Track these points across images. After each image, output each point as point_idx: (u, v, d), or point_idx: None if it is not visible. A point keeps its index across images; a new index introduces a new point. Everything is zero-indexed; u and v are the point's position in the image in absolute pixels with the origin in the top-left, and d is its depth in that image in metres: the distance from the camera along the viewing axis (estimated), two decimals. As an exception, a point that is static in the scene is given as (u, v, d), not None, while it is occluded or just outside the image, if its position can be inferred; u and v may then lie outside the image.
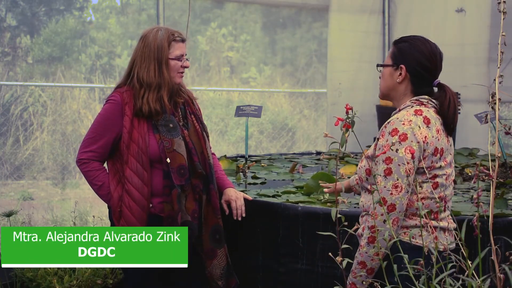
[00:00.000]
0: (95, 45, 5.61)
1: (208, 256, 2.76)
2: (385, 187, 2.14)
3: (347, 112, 2.01)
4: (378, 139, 2.25)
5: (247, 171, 4.02)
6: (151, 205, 2.66)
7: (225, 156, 4.41)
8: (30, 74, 5.12)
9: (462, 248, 1.94)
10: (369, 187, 2.22)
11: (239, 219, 2.87)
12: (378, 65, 2.37)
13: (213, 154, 2.97)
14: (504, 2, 1.86)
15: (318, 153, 5.37)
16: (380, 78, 2.38)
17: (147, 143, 2.65)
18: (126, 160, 2.65)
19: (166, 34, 2.71)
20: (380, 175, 2.16)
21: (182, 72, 2.76)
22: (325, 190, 2.81)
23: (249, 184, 3.67)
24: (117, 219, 2.68)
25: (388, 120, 2.26)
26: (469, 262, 1.86)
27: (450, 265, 1.86)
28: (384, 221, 2.13)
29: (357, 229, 2.22)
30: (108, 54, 5.71)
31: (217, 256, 2.77)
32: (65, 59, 5.37)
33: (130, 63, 2.77)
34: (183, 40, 2.76)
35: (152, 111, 2.66)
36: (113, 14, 6.02)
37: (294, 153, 5.46)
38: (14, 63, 5.06)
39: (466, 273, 1.82)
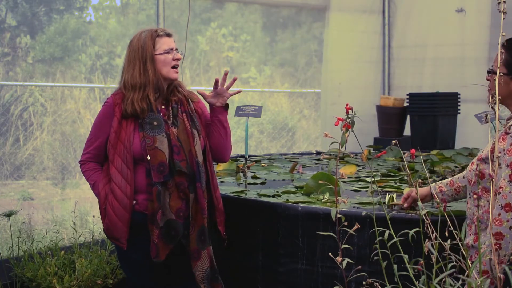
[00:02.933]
0: (95, 45, 5.60)
1: (193, 257, 2.72)
2: (510, 192, 2.07)
3: (347, 112, 2.01)
4: (494, 142, 2.15)
5: (247, 171, 4.02)
6: (135, 202, 2.67)
7: (225, 156, 4.40)
8: (30, 74, 5.12)
9: (462, 248, 1.94)
10: (479, 191, 2.16)
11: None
12: (491, 73, 2.23)
13: None
14: (504, 2, 1.86)
15: (318, 153, 5.37)
16: (488, 80, 2.26)
17: (131, 141, 2.67)
18: (111, 159, 2.69)
19: (149, 33, 2.74)
20: (505, 180, 2.08)
21: (176, 67, 2.76)
22: (405, 205, 2.68)
23: (249, 184, 3.66)
24: (103, 217, 2.72)
25: (507, 124, 2.17)
26: (469, 262, 1.86)
27: (450, 265, 1.86)
28: (510, 228, 2.06)
29: (357, 228, 2.21)
30: (108, 54, 5.71)
31: (201, 257, 2.73)
32: (65, 59, 5.37)
33: (122, 68, 2.80)
34: (168, 35, 2.77)
35: (137, 110, 2.67)
36: (113, 14, 6.02)
37: (294, 153, 5.47)
38: (14, 63, 5.06)
39: (466, 273, 1.82)
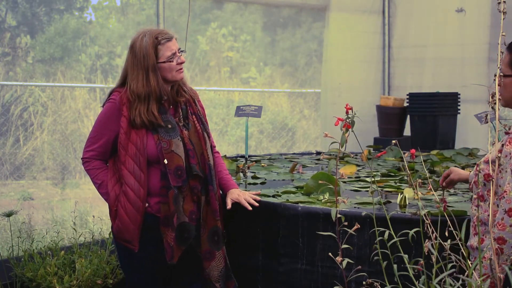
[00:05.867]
0: (95, 45, 5.61)
1: (206, 258, 2.74)
2: None
3: (347, 112, 2.01)
4: (503, 145, 2.13)
5: (247, 171, 4.02)
6: (147, 205, 2.65)
7: (225, 156, 4.41)
8: (30, 74, 5.12)
9: (462, 248, 1.94)
10: (480, 191, 2.14)
11: (251, 207, 2.84)
12: (504, 75, 2.17)
13: (217, 152, 2.96)
14: (504, 2, 1.86)
15: (318, 153, 5.37)
16: (496, 83, 2.26)
17: (145, 144, 2.64)
18: (123, 161, 2.64)
19: (150, 40, 2.66)
20: (510, 184, 2.06)
21: (180, 69, 2.74)
22: (444, 184, 2.57)
23: (249, 184, 3.66)
24: (113, 218, 2.70)
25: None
26: (469, 262, 1.86)
27: (450, 265, 1.86)
28: None
29: (357, 228, 2.21)
30: (108, 54, 5.71)
31: (215, 258, 2.75)
32: (65, 59, 5.37)
33: (124, 71, 2.75)
34: (169, 39, 2.71)
35: (146, 123, 2.64)
36: (113, 14, 6.02)
37: (294, 153, 5.46)
38: (14, 63, 5.06)
39: (466, 273, 1.82)
